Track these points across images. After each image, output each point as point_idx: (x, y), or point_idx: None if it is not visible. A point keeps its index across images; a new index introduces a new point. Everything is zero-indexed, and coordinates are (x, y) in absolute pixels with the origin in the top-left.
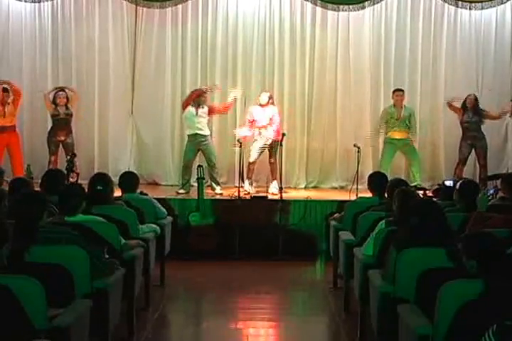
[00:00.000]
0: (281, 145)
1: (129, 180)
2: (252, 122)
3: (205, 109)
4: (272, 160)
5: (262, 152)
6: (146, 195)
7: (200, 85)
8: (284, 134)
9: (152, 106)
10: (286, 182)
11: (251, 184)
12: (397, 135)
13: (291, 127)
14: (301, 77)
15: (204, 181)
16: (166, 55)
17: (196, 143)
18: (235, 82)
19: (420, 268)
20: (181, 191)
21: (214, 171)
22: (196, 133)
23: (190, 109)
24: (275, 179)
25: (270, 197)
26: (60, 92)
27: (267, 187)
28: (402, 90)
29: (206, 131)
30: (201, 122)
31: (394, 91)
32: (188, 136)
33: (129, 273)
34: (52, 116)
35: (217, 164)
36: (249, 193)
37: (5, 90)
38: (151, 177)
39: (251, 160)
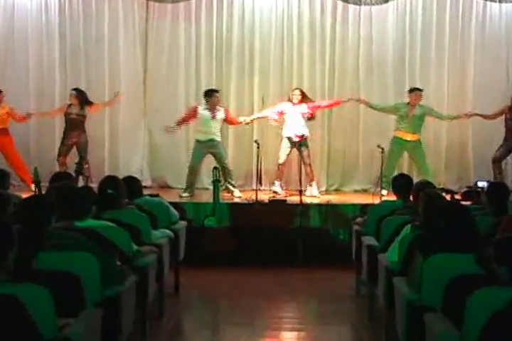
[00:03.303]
0: (300, 146)
1: (132, 185)
2: (281, 113)
3: (221, 112)
4: (307, 161)
5: (290, 152)
6: (157, 196)
7: (215, 85)
8: (302, 136)
9: (165, 106)
10: (305, 185)
11: (282, 187)
12: (404, 135)
13: (311, 127)
14: (321, 76)
15: (220, 184)
16: (179, 52)
17: (207, 147)
18: (251, 81)
19: (448, 275)
20: (185, 194)
21: (229, 174)
22: (209, 140)
23: (204, 112)
24: (313, 180)
25: (311, 200)
26: (73, 91)
27: (300, 190)
28: (421, 90)
29: (219, 137)
30: (216, 127)
31: (412, 91)
32: (199, 141)
33: (142, 281)
34: (65, 115)
35: (231, 166)
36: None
37: None
38: (163, 180)
39: (280, 161)
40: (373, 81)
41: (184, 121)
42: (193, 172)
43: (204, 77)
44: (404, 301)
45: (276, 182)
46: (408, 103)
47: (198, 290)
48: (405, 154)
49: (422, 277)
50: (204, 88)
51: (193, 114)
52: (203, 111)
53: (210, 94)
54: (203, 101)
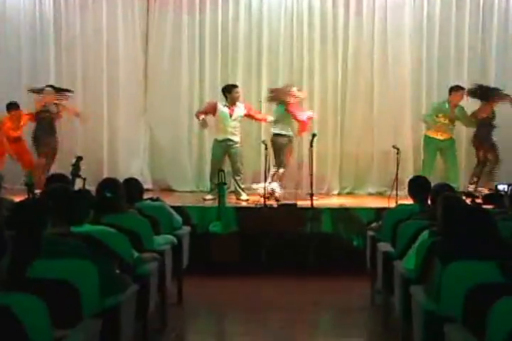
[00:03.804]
0: (311, 146)
1: (134, 187)
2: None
3: (241, 109)
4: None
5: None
6: (159, 199)
7: (220, 81)
8: (314, 135)
9: (167, 104)
10: (317, 188)
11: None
12: (440, 135)
13: (322, 127)
14: (333, 73)
15: (226, 187)
16: (181, 46)
17: (225, 147)
18: (259, 78)
19: (468, 283)
20: (209, 197)
21: (239, 177)
22: (228, 139)
23: (223, 109)
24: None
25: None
26: (48, 88)
27: (311, 193)
28: (463, 88)
29: (237, 137)
30: (234, 126)
31: (454, 89)
32: (216, 140)
33: (143, 290)
34: (37, 114)
35: (242, 170)
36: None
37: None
38: (165, 182)
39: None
40: (389, 79)
41: (201, 114)
42: (218, 172)
43: (208, 72)
44: (421, 311)
45: (276, 183)
46: (448, 102)
47: (203, 300)
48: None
49: (441, 285)
50: (208, 84)
51: (212, 109)
52: (222, 109)
53: (229, 89)
54: (222, 97)
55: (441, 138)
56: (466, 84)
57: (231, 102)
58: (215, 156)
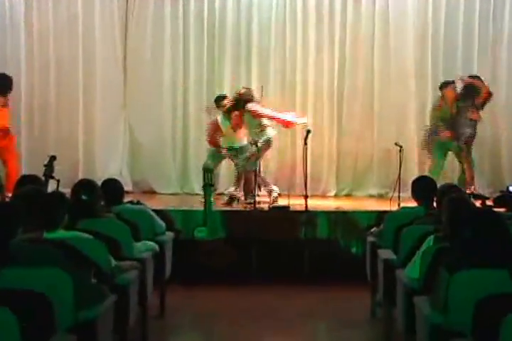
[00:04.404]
0: (305, 144)
1: (113, 189)
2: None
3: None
4: None
5: None
6: (139, 203)
7: (206, 73)
8: (308, 131)
9: (149, 99)
10: (312, 189)
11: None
12: (446, 137)
13: (317, 124)
14: (329, 63)
15: (213, 188)
16: (164, 37)
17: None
18: (248, 71)
19: (478, 294)
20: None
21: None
22: (228, 147)
23: (223, 122)
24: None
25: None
26: None
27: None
28: (453, 82)
29: (239, 143)
30: (234, 133)
31: (443, 86)
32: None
33: (122, 302)
34: None
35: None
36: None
37: None
38: (147, 184)
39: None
40: (390, 70)
41: (212, 138)
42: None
43: (193, 63)
44: (427, 325)
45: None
46: (445, 100)
47: (187, 312)
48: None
49: (448, 296)
50: (193, 78)
51: (216, 128)
52: (222, 121)
53: (219, 100)
54: (208, 95)
55: (447, 140)
56: (476, 71)
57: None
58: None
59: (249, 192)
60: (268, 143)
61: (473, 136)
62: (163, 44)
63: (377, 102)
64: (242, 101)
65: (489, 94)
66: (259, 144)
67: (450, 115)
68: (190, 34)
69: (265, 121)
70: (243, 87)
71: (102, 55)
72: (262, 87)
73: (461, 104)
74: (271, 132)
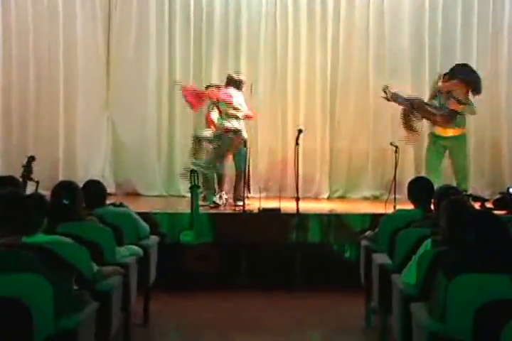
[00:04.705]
0: (297, 144)
1: (95, 191)
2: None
3: None
4: None
5: None
6: (124, 206)
7: (193, 70)
8: (300, 130)
9: (133, 96)
10: (304, 191)
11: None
12: (443, 131)
13: (309, 122)
14: (322, 57)
15: (199, 191)
16: (149, 29)
17: None
18: (237, 66)
19: (478, 300)
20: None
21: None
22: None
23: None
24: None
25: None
26: None
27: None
28: (446, 74)
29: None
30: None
31: (439, 77)
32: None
33: (104, 309)
34: None
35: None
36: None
37: None
38: (131, 185)
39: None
40: (385, 66)
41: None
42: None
43: (179, 60)
44: (424, 333)
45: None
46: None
47: (173, 320)
48: None
49: (447, 303)
50: (180, 72)
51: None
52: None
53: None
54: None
55: (444, 135)
56: (476, 66)
57: None
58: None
59: (236, 194)
60: (236, 134)
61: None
62: (148, 39)
63: (372, 100)
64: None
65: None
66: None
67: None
68: (176, 29)
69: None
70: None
71: (83, 52)
72: (251, 85)
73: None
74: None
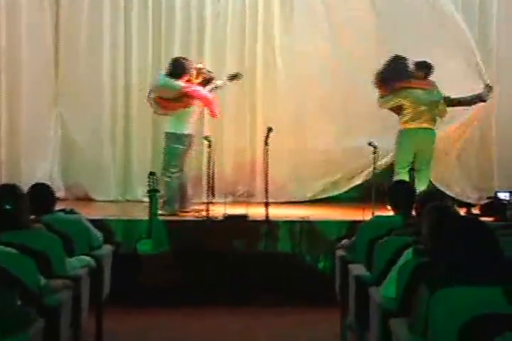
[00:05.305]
0: (266, 144)
1: (42, 196)
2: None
3: None
4: None
5: None
6: (75, 213)
7: (152, 62)
8: (270, 129)
9: (85, 90)
10: (274, 195)
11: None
12: (415, 124)
13: (278, 120)
14: (293, 51)
15: (159, 195)
16: (102, 16)
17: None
18: (201, 55)
19: (465, 314)
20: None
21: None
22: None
23: None
24: None
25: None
26: None
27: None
28: (403, 58)
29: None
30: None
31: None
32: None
33: (52, 327)
34: None
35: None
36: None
37: None
38: (82, 189)
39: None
40: (356, 53)
41: None
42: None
43: (136, 51)
44: None
45: None
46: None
47: (130, 339)
48: None
49: (429, 318)
50: (136, 65)
51: None
52: None
53: None
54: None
55: (416, 126)
56: (458, 51)
57: None
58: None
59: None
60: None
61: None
62: (101, 26)
63: (345, 93)
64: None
65: None
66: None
67: None
68: (132, 17)
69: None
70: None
71: (29, 42)
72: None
73: None
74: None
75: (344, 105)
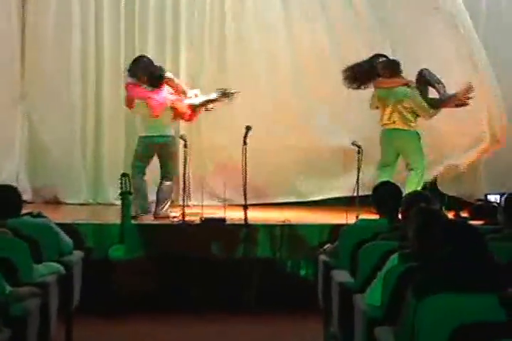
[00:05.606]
0: (244, 143)
1: (7, 199)
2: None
3: None
4: None
5: None
6: (43, 217)
7: (124, 58)
8: (248, 128)
9: (53, 87)
10: (253, 197)
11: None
12: (389, 125)
13: (257, 118)
14: (275, 46)
15: (131, 197)
16: (72, 11)
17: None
18: (176, 52)
19: (453, 323)
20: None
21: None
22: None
23: None
24: None
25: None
26: None
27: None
28: (384, 56)
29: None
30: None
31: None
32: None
33: (18, 337)
34: None
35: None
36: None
37: None
38: (51, 191)
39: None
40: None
41: None
42: None
43: (108, 46)
44: None
45: None
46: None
47: None
48: None
49: (416, 327)
50: (108, 62)
51: None
52: None
53: None
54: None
55: (392, 127)
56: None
57: None
58: None
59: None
60: None
61: None
62: (70, 20)
63: (331, 89)
64: None
65: None
66: None
67: None
68: (104, 8)
69: None
70: None
71: None
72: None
73: None
74: None
75: (329, 103)
